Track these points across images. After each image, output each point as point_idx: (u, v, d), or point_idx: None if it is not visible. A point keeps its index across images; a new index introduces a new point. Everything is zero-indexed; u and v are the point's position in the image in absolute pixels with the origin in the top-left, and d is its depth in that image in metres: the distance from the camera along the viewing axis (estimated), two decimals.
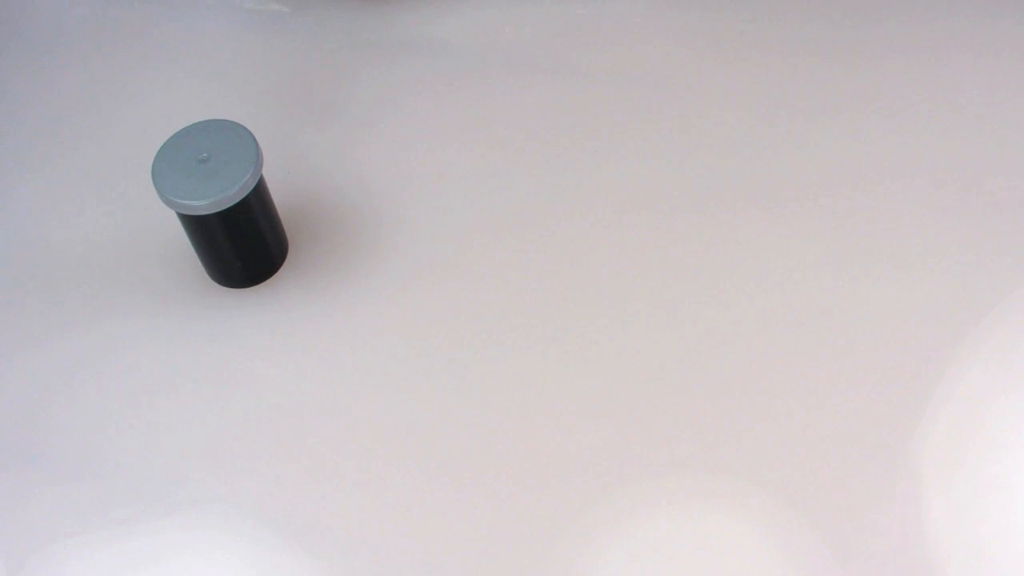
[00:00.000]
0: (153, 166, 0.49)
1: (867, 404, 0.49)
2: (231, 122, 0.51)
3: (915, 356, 0.50)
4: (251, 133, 0.50)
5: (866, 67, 0.57)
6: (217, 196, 0.48)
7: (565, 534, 0.46)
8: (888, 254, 0.52)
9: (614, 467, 0.48)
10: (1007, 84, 0.58)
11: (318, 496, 0.48)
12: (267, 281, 0.55)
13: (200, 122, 0.51)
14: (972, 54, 0.58)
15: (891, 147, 0.56)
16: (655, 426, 0.49)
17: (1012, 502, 0.46)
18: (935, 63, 0.57)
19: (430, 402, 0.50)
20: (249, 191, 0.49)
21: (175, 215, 0.51)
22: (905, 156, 0.56)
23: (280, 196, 0.53)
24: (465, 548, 0.46)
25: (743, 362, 0.50)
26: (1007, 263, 0.52)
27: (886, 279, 0.52)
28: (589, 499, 0.47)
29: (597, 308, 0.52)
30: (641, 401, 0.49)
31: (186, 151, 0.50)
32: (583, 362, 0.50)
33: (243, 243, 0.52)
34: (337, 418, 0.50)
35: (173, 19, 0.65)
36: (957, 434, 0.47)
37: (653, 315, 0.51)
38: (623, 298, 0.52)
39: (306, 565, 0.46)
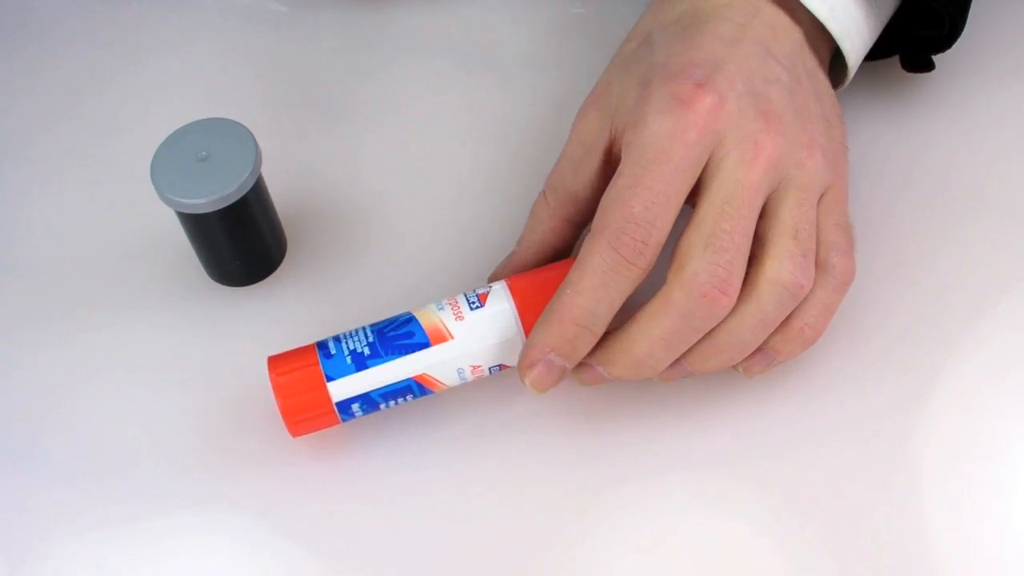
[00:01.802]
0: (152, 164, 0.49)
1: (866, 404, 0.49)
2: (230, 120, 0.51)
3: (915, 356, 0.50)
4: (250, 131, 0.50)
5: None
6: (216, 194, 0.48)
7: (563, 530, 0.46)
8: (887, 253, 0.52)
9: (613, 467, 0.48)
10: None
11: (318, 495, 0.48)
12: (266, 280, 0.55)
13: (199, 120, 0.51)
14: None
15: (890, 148, 0.56)
16: (654, 427, 0.49)
17: (1011, 502, 0.46)
18: None
19: (428, 398, 0.50)
20: (248, 189, 0.49)
21: (173, 213, 0.51)
22: (904, 156, 0.56)
23: (279, 195, 0.53)
24: (466, 544, 0.46)
25: None
26: (1007, 262, 0.52)
27: (885, 278, 0.52)
28: (587, 497, 0.47)
29: None
30: (640, 401, 0.49)
31: (185, 149, 0.50)
32: None
33: (241, 241, 0.52)
34: None
35: (171, 17, 0.65)
36: (956, 434, 0.47)
37: None
38: None
39: (306, 565, 0.46)
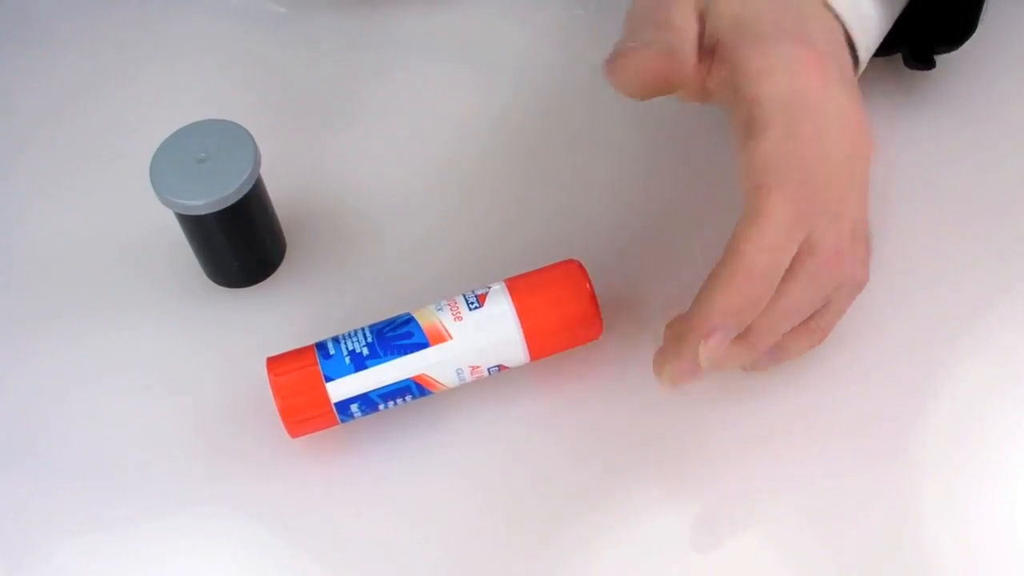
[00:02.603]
0: (151, 166, 0.49)
1: (867, 405, 0.49)
2: (229, 122, 0.51)
3: (917, 356, 0.50)
4: (249, 133, 0.50)
5: None
6: (215, 196, 0.48)
7: (563, 531, 0.46)
8: (888, 254, 0.52)
9: (613, 469, 0.48)
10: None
11: (317, 497, 0.48)
12: (265, 281, 0.55)
13: (198, 122, 0.51)
14: None
15: (891, 149, 0.56)
16: (654, 428, 0.49)
17: (1013, 502, 0.46)
18: None
19: (427, 399, 0.50)
20: (247, 191, 0.49)
21: (173, 215, 0.51)
22: (906, 157, 0.56)
23: (278, 196, 0.53)
24: (465, 546, 0.46)
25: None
26: (1010, 263, 0.52)
27: (886, 279, 0.52)
28: (587, 498, 0.47)
29: None
30: (641, 402, 0.49)
31: (184, 151, 0.50)
32: (581, 355, 0.50)
33: (241, 243, 0.52)
34: None
35: (171, 19, 0.65)
36: (958, 435, 0.47)
37: (656, 312, 0.51)
38: (627, 290, 0.52)
39: (305, 566, 0.46)
